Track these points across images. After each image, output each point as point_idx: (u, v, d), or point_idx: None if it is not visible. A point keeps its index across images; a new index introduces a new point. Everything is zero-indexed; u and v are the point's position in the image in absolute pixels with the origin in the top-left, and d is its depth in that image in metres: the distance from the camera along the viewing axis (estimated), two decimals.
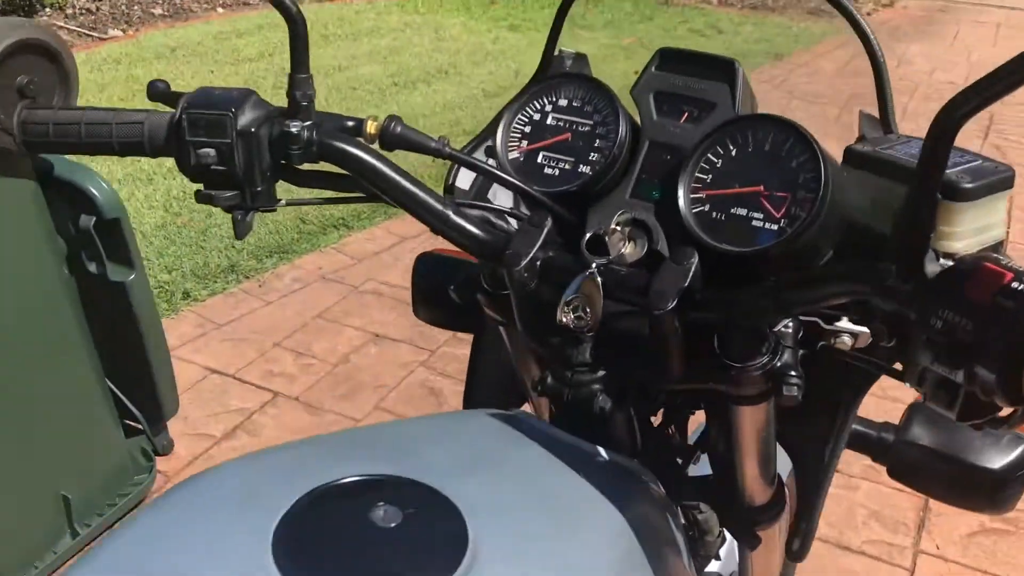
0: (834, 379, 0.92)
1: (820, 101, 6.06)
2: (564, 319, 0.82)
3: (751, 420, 0.89)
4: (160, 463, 2.65)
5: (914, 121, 5.61)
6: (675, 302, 0.78)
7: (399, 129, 0.89)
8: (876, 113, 0.91)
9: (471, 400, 1.13)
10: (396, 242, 3.99)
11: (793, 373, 0.81)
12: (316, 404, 2.94)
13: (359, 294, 3.58)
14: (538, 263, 0.85)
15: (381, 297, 3.55)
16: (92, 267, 2.29)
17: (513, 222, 0.93)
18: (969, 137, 5.47)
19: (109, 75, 5.88)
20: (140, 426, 2.56)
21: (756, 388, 0.83)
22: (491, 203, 0.96)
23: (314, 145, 0.85)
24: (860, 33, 0.84)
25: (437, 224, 0.87)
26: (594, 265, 0.82)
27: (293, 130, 0.84)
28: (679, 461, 1.08)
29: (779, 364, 0.82)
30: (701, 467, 1.09)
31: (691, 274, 0.79)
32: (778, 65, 6.92)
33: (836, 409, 0.95)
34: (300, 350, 3.21)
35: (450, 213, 0.86)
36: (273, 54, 6.30)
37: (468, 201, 0.91)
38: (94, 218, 2.22)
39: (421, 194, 0.86)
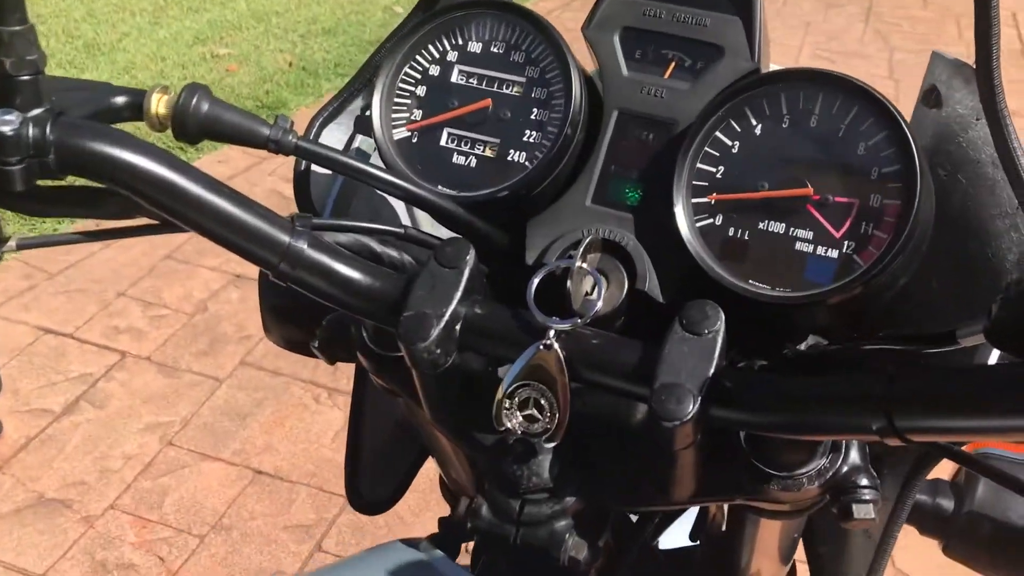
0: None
1: None
2: (508, 422, 0.50)
3: (782, 530, 0.60)
4: None
5: (796, 5, 5.38)
6: (697, 406, 0.46)
7: (206, 107, 0.53)
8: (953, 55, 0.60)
9: (357, 467, 0.80)
10: (254, 163, 3.54)
11: (865, 483, 0.52)
12: (171, 363, 2.55)
13: None
14: (457, 327, 0.52)
15: None
16: None
17: (407, 250, 0.59)
18: (851, 21, 5.30)
19: None
20: None
21: (805, 502, 0.54)
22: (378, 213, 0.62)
23: (49, 151, 0.48)
24: None
25: (281, 267, 0.52)
26: (552, 332, 0.50)
27: (5, 129, 0.47)
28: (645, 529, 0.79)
29: (845, 469, 0.52)
30: (677, 530, 0.80)
31: (717, 353, 0.48)
32: None
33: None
34: (149, 299, 2.79)
35: (303, 246, 0.52)
36: None
37: (332, 221, 0.56)
38: None
39: (249, 218, 0.51)
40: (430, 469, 0.85)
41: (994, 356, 0.52)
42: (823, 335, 0.60)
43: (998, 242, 0.59)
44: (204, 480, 2.23)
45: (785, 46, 4.80)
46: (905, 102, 0.57)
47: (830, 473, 0.52)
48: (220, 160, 3.46)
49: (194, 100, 0.52)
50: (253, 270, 0.59)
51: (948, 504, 0.71)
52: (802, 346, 0.60)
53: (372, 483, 0.81)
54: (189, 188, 0.50)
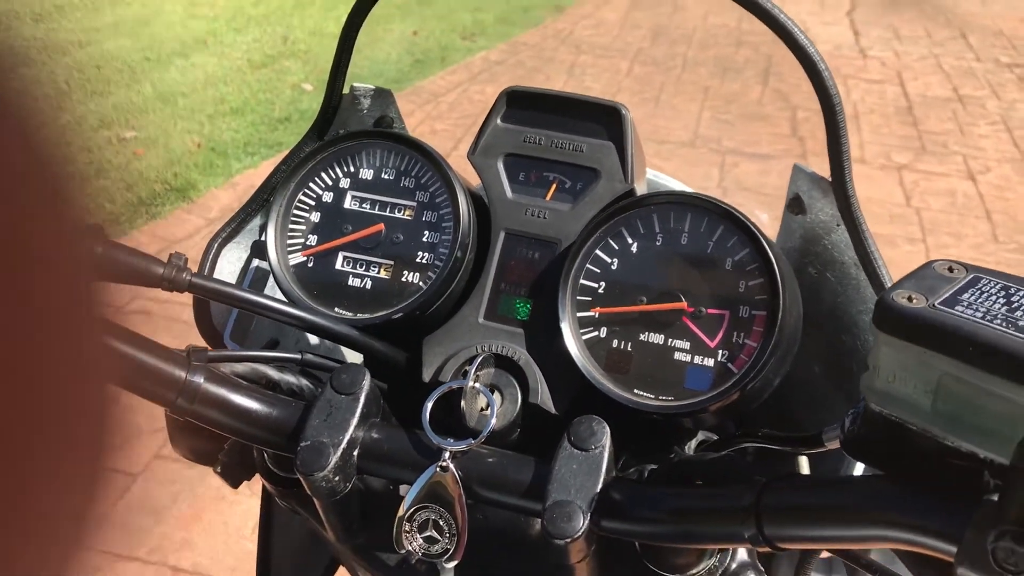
0: None
1: (609, 55, 5.93)
2: (408, 545, 0.52)
3: None
4: None
5: (694, 71, 5.58)
6: (587, 521, 0.48)
7: (99, 249, 0.54)
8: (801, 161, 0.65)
9: (268, 569, 0.80)
10: (171, 242, 3.49)
11: None
12: None
13: None
14: (355, 453, 0.53)
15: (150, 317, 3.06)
16: None
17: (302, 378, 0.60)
18: (749, 84, 5.50)
19: None
20: None
21: None
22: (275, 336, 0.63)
23: None
24: (805, 62, 0.56)
25: (178, 402, 0.53)
26: (447, 453, 0.52)
27: None
28: None
29: (734, 567, 0.55)
30: None
31: (604, 467, 0.50)
32: (560, 18, 6.74)
33: None
34: None
35: (200, 380, 0.53)
36: None
37: (228, 353, 0.58)
38: None
39: (142, 356, 0.53)
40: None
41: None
42: (711, 431, 0.63)
43: (866, 336, 0.63)
44: None
45: (685, 112, 4.97)
46: (812, 160, 0.60)
47: (719, 572, 0.55)
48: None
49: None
50: None
51: None
52: (693, 442, 0.63)
53: None
54: None
